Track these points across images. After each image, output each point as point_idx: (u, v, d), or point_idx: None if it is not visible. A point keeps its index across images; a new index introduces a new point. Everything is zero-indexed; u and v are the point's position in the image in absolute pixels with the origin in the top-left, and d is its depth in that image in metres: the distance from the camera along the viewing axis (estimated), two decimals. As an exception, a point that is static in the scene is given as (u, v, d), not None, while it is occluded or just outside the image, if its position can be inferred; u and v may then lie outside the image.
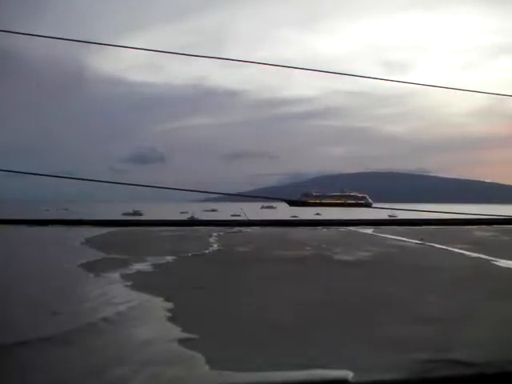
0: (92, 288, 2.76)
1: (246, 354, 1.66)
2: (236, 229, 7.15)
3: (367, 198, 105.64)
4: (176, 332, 1.90)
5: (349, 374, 1.45)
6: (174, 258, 3.98)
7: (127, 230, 7.10)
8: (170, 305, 2.33)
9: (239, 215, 20.05)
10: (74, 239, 5.31)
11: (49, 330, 1.93)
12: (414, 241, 5.44)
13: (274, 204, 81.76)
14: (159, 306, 2.31)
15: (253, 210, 32.68)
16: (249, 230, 7.13)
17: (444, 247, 4.86)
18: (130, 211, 46.84)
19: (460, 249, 4.63)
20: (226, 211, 40.24)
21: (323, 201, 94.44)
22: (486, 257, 4.07)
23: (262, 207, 77.57)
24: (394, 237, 5.95)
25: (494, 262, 3.80)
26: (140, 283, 2.85)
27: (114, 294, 2.58)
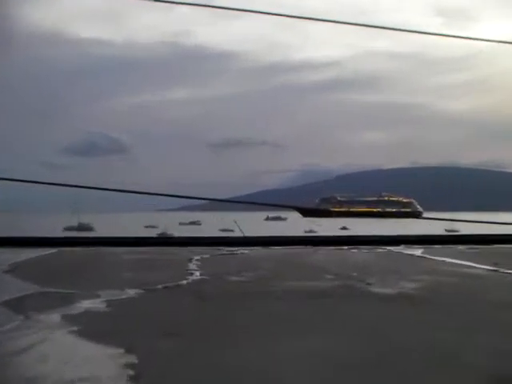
0: (18, 339, 2.74)
1: None
2: (227, 250, 7.15)
3: (415, 204, 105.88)
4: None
5: None
6: (137, 291, 3.98)
7: (71, 252, 7.09)
8: (131, 358, 2.32)
9: (232, 230, 20.10)
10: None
11: None
12: (484, 266, 5.45)
13: (283, 214, 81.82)
14: (117, 361, 2.30)
15: (252, 223, 32.75)
16: (246, 250, 7.13)
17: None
18: (75, 225, 46.81)
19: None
20: (212, 224, 40.30)
21: (352, 209, 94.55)
22: None
23: (267, 218, 77.60)
24: (454, 260, 5.96)
25: None
26: (90, 329, 2.85)
27: (50, 346, 2.57)
